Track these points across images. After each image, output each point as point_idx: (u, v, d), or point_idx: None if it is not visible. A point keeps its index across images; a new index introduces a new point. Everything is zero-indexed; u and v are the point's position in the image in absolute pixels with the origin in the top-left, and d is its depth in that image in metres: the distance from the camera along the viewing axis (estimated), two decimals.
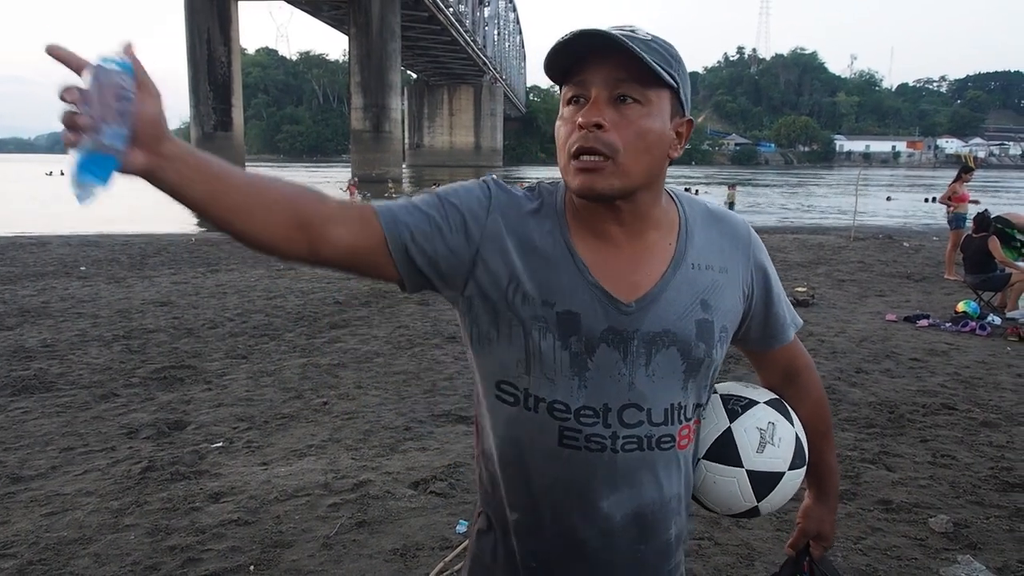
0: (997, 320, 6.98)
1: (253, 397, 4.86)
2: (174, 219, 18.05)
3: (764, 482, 1.20)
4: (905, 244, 13.98)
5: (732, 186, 27.87)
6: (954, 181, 10.78)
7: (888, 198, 32.68)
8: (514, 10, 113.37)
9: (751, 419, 1.21)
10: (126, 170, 0.85)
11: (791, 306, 1.26)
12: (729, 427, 1.20)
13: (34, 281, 9.39)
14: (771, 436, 1.21)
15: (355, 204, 1.09)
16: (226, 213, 0.94)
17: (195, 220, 23.12)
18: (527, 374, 1.07)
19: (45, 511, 3.26)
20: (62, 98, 0.81)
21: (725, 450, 1.19)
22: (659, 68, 0.99)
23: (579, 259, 1.07)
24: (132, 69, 0.84)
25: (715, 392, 1.25)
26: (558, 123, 1.06)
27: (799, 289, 8.31)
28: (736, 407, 1.22)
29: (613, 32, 0.98)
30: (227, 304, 7.94)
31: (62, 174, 55.28)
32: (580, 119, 1.00)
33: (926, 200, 30.12)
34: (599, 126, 0.99)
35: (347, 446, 4.03)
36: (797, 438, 1.23)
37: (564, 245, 1.07)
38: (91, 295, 8.45)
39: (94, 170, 0.82)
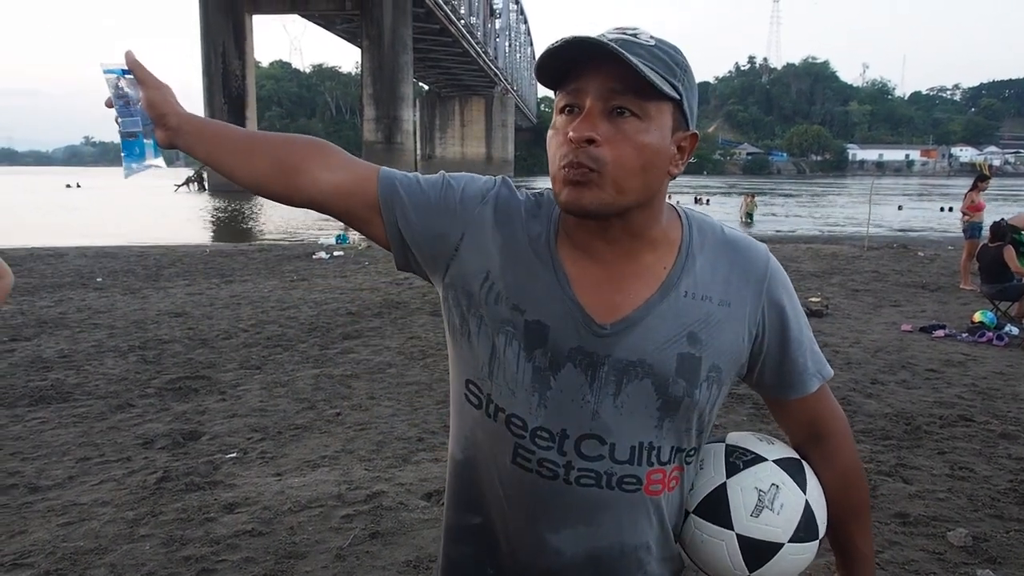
0: (1015, 330, 6.91)
1: (267, 408, 4.88)
2: (189, 231, 18.19)
3: (757, 551, 1.05)
4: (920, 254, 13.88)
5: (751, 196, 27.03)
6: (970, 190, 10.70)
7: (900, 207, 32.49)
8: (525, 21, 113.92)
9: (751, 477, 1.07)
10: (161, 144, 1.08)
11: (819, 355, 1.12)
12: (724, 483, 1.08)
13: (51, 292, 9.49)
14: (771, 500, 1.06)
15: (364, 163, 1.11)
16: (221, 164, 1.08)
17: (209, 232, 23.30)
18: (490, 378, 1.02)
19: (62, 521, 3.28)
20: (108, 105, 1.08)
21: (716, 507, 1.07)
22: (660, 80, 0.91)
23: (561, 270, 1.01)
24: (128, 71, 1.07)
25: (722, 441, 1.14)
26: (550, 132, 0.99)
27: (813, 299, 8.26)
28: (738, 461, 1.09)
29: (609, 40, 0.90)
30: (241, 315, 7.99)
31: (79, 186, 55.93)
32: (571, 132, 0.92)
33: (942, 209, 29.93)
34: (591, 141, 0.91)
35: (360, 457, 4.03)
36: (807, 507, 1.07)
37: (549, 253, 1.02)
38: (107, 306, 8.52)
39: (131, 152, 1.09)
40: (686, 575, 1.16)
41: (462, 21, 70.29)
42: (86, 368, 5.83)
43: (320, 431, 4.45)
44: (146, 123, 1.08)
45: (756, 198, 27.97)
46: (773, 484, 1.07)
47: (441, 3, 61.96)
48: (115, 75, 1.07)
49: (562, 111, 0.96)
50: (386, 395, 5.14)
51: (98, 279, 10.69)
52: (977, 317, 7.15)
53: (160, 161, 1.12)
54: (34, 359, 6.09)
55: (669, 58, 0.94)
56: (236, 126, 1.12)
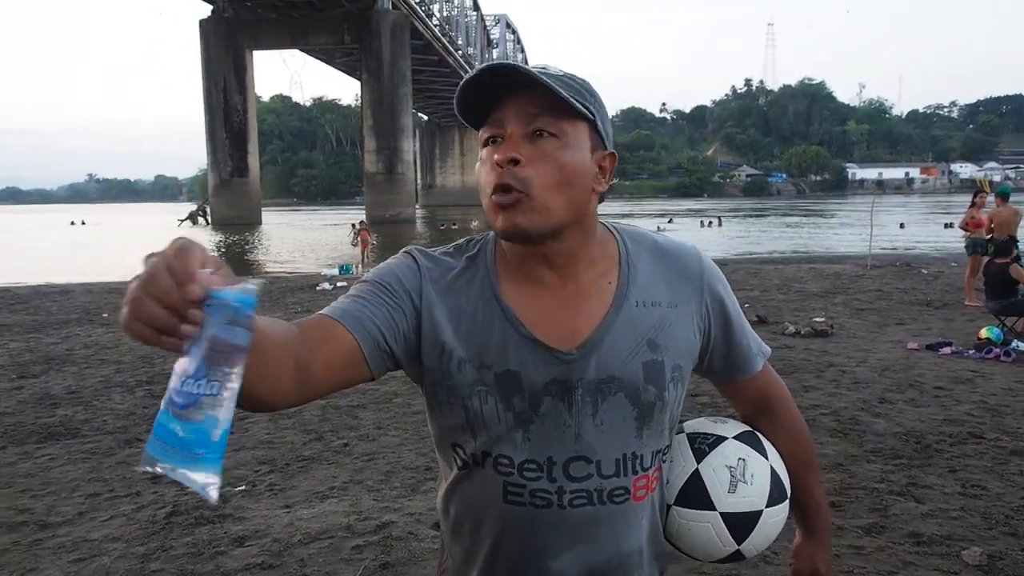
0: (1022, 346, 6.89)
1: (274, 440, 4.88)
2: None
3: (741, 524, 1.11)
4: (923, 271, 13.87)
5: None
6: (970, 206, 10.74)
7: (901, 225, 32.53)
8: (522, 51, 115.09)
9: (719, 457, 1.13)
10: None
11: (756, 335, 1.20)
12: (696, 468, 1.13)
13: (58, 329, 9.53)
14: (742, 473, 1.12)
15: (314, 324, 1.02)
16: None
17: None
18: (473, 439, 1.03)
19: (72, 557, 3.28)
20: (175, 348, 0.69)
21: (695, 494, 1.12)
22: (572, 99, 0.96)
23: (511, 313, 1.03)
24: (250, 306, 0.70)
25: (682, 432, 1.19)
26: (477, 166, 1.03)
27: (817, 319, 8.26)
28: (703, 446, 1.15)
29: (521, 67, 0.96)
30: None
31: (83, 224, 56.32)
32: (496, 156, 0.97)
33: (946, 226, 29.96)
34: (515, 161, 0.96)
35: (369, 487, 4.03)
36: (773, 472, 1.15)
37: (494, 300, 1.03)
38: (114, 341, 8.54)
39: (175, 442, 0.69)
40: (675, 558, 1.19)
41: (459, 52, 71.20)
42: (94, 404, 5.84)
43: (328, 462, 4.45)
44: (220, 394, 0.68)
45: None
46: (740, 459, 1.13)
47: (439, 35, 62.86)
48: (233, 305, 0.68)
49: (486, 143, 1.01)
50: (393, 424, 5.14)
51: (104, 315, 10.72)
52: (983, 333, 7.14)
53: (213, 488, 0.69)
54: (42, 396, 6.10)
55: (579, 85, 1.01)
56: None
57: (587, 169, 1.01)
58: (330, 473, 4.26)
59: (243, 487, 4.07)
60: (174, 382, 0.68)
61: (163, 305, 0.66)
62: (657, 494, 1.11)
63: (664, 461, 1.12)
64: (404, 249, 1.09)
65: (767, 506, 1.13)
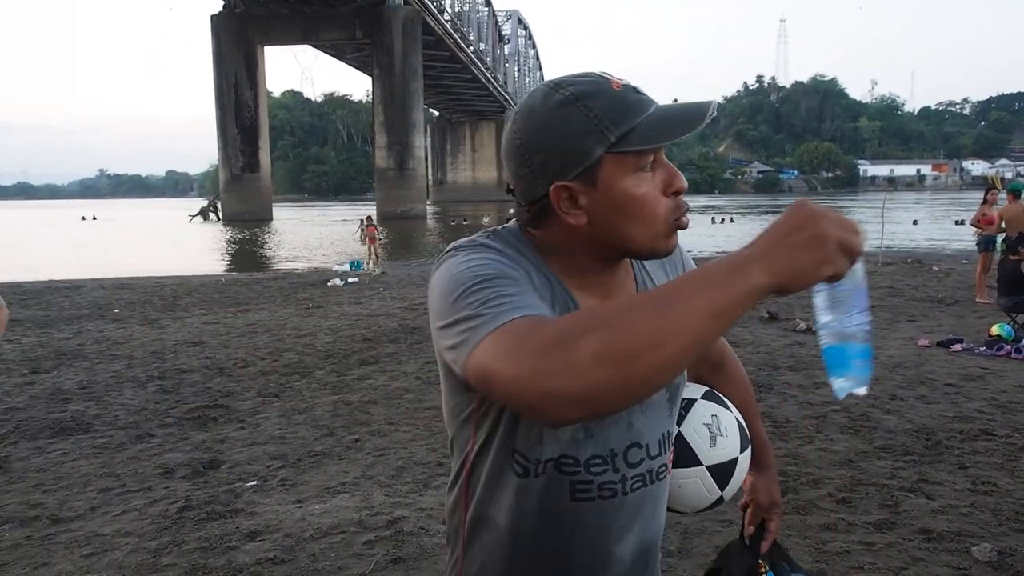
0: None
1: (286, 435, 4.91)
2: (204, 260, 18.35)
3: (723, 471, 1.25)
4: (935, 268, 13.80)
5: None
6: (982, 203, 10.66)
7: (915, 222, 32.31)
8: (534, 46, 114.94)
9: (695, 418, 1.25)
10: None
11: None
12: (679, 431, 1.23)
13: (70, 324, 9.60)
14: (718, 427, 1.25)
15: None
16: None
17: (224, 261, 23.48)
18: (540, 443, 1.01)
19: (85, 552, 3.31)
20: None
21: (682, 454, 1.23)
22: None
23: (578, 307, 1.02)
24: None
25: None
26: (643, 190, 0.96)
27: None
28: (680, 410, 1.24)
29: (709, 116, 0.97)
30: (258, 343, 8.05)
31: (94, 219, 56.66)
32: (681, 185, 0.98)
33: (957, 223, 29.73)
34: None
35: (380, 483, 4.05)
36: (738, 421, 1.29)
37: (566, 295, 1.02)
38: (125, 337, 8.61)
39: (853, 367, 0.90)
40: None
41: (471, 48, 71.12)
42: (105, 399, 5.89)
43: (339, 457, 4.47)
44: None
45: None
46: (712, 415, 1.26)
47: (450, 31, 62.77)
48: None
49: (644, 168, 0.96)
50: (404, 420, 5.16)
51: (115, 310, 10.81)
52: (995, 330, 7.09)
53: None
54: (54, 391, 6.16)
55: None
56: None
57: None
58: (341, 468, 4.29)
59: (255, 482, 4.10)
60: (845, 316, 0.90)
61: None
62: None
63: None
64: (475, 243, 1.00)
65: (740, 452, 1.27)
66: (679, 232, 1.02)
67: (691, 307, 0.73)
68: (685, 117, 0.94)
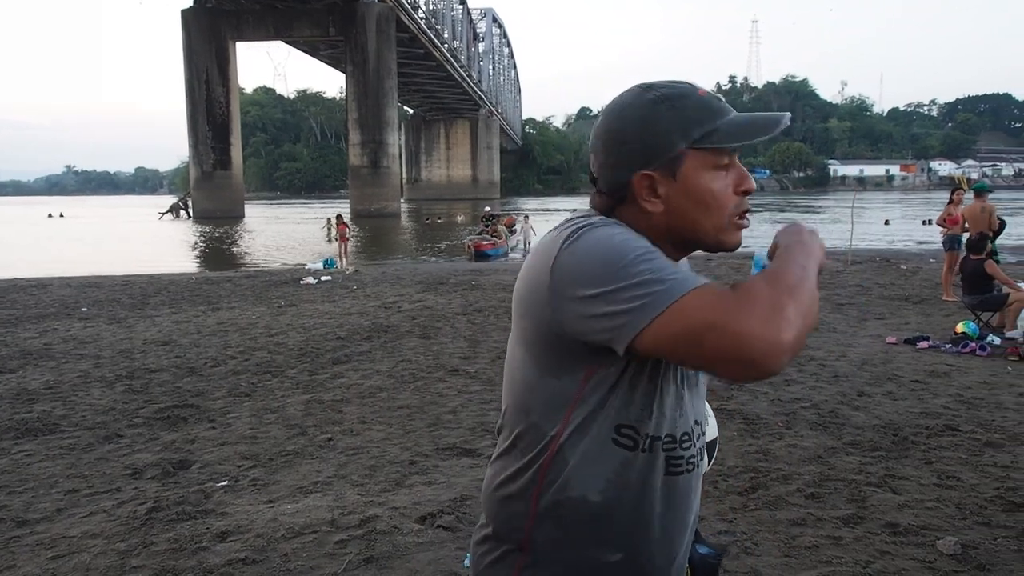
0: (997, 340, 7.00)
1: (257, 435, 4.86)
2: (174, 258, 18.10)
3: (710, 450, 1.51)
4: (902, 267, 14.04)
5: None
6: (948, 203, 10.87)
7: (886, 221, 32.82)
8: (508, 45, 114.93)
9: None
10: None
11: None
12: None
13: (35, 323, 9.42)
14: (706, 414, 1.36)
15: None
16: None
17: (195, 259, 23.18)
18: (650, 418, 1.08)
19: (51, 554, 3.25)
20: None
21: None
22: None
23: None
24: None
25: None
26: (717, 185, 1.09)
27: None
28: None
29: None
30: (229, 342, 7.96)
31: (61, 216, 55.61)
32: (749, 186, 1.11)
33: (924, 223, 30.27)
34: None
35: (353, 482, 4.03)
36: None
37: None
38: (93, 336, 8.47)
39: None
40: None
41: (445, 45, 70.88)
42: (72, 399, 5.79)
43: (312, 457, 4.44)
44: None
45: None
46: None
47: (425, 28, 62.52)
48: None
49: (720, 167, 1.10)
50: (377, 419, 5.13)
51: (83, 309, 10.62)
52: (960, 328, 7.24)
53: None
54: (19, 391, 6.04)
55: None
56: None
57: None
58: (314, 468, 4.26)
59: (225, 482, 4.06)
60: None
61: None
62: None
63: None
64: (601, 223, 1.05)
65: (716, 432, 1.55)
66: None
67: (812, 276, 0.97)
68: (762, 123, 1.09)
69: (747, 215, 1.11)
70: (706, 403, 1.33)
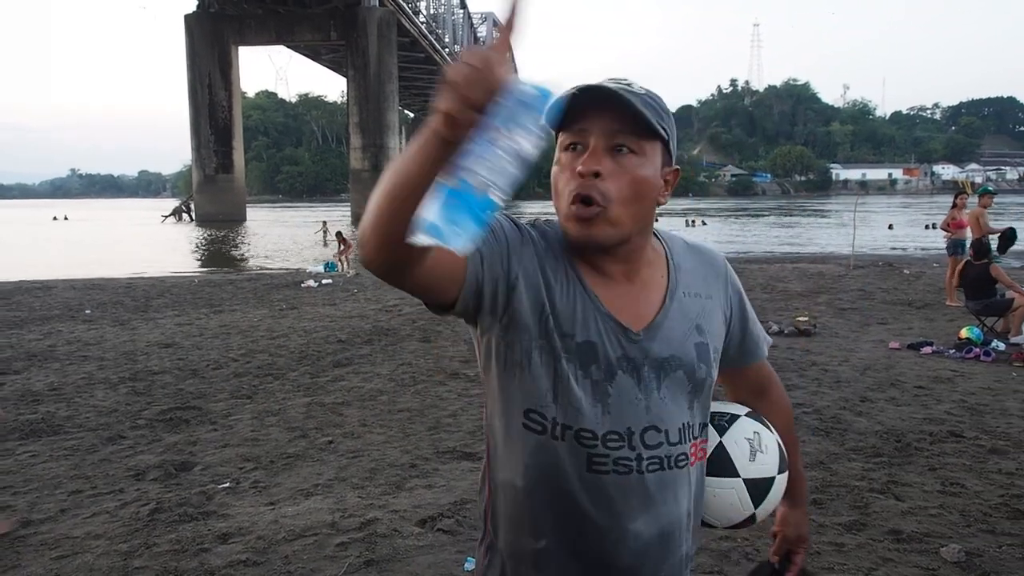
0: (1001, 346, 6.98)
1: (259, 437, 4.86)
2: (177, 261, 18.13)
3: (759, 488, 1.27)
4: (905, 271, 14.01)
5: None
6: (952, 207, 10.85)
7: (890, 226, 32.75)
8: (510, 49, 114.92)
9: (738, 431, 1.29)
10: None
11: (761, 327, 1.36)
12: (720, 441, 1.27)
13: (40, 325, 9.43)
14: (759, 444, 1.28)
15: None
16: (416, 191, 0.93)
17: (197, 262, 23.21)
18: (554, 403, 1.12)
19: (55, 554, 3.26)
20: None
21: (721, 463, 1.26)
22: (654, 121, 1.07)
23: (591, 291, 1.14)
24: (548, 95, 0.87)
25: None
26: (555, 169, 1.12)
27: (800, 318, 8.33)
28: (722, 422, 1.29)
29: (613, 87, 1.06)
30: (231, 344, 7.96)
31: (66, 219, 55.73)
32: (580, 167, 1.06)
33: (927, 227, 30.21)
34: (597, 174, 1.06)
35: (353, 485, 4.02)
36: (779, 444, 1.32)
37: (577, 279, 1.14)
38: (96, 338, 8.48)
39: (474, 212, 0.84)
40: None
41: (447, 49, 70.96)
42: (76, 400, 5.80)
43: (313, 459, 4.44)
44: (494, 175, 0.85)
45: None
46: (755, 432, 1.30)
47: (426, 32, 62.61)
48: (533, 95, 0.85)
49: (567, 148, 1.11)
50: (378, 422, 5.13)
51: (87, 311, 10.63)
52: (964, 333, 7.22)
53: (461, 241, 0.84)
54: (24, 392, 6.05)
55: (656, 104, 1.10)
56: None
57: (657, 183, 1.13)
58: (315, 470, 4.26)
59: (227, 484, 4.06)
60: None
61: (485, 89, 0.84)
62: (702, 464, 1.24)
63: (706, 435, 1.24)
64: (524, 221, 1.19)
65: (778, 472, 1.29)
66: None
67: (405, 157, 0.90)
68: None
69: (583, 205, 1.07)
70: (767, 435, 1.30)
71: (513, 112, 0.83)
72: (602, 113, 1.07)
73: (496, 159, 0.84)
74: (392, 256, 0.95)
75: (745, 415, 1.32)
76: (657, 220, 1.23)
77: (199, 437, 4.88)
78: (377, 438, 4.79)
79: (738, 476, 1.26)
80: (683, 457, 1.16)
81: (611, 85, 1.07)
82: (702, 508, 1.25)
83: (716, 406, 1.31)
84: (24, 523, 3.60)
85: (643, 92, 1.09)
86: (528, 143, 0.86)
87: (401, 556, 3.19)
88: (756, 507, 1.27)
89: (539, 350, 1.11)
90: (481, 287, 1.07)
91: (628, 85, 1.09)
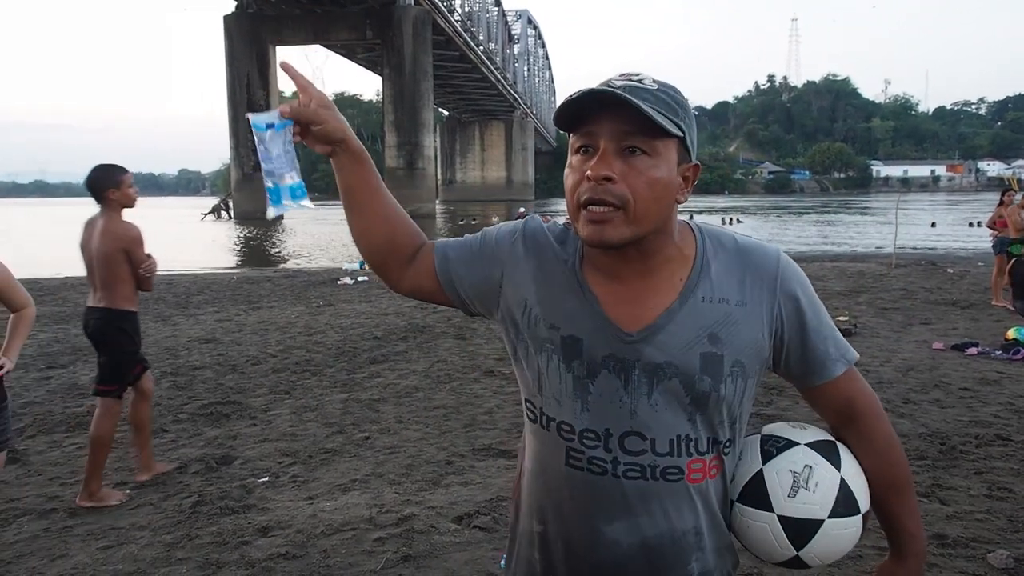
0: None
1: (297, 432, 4.92)
2: (216, 258, 18.41)
3: (801, 529, 1.12)
4: (949, 270, 13.69)
5: None
6: (998, 205, 10.57)
7: (933, 224, 32.03)
8: (543, 46, 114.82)
9: (785, 461, 1.15)
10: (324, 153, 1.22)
11: (842, 341, 1.19)
12: (760, 469, 1.16)
13: None
14: (805, 480, 1.13)
15: (426, 244, 1.27)
16: (352, 205, 1.24)
17: (236, 259, 23.58)
18: (539, 394, 1.16)
19: (101, 544, 3.34)
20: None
21: (755, 493, 1.15)
22: (665, 121, 1.02)
23: (588, 289, 1.13)
24: (272, 125, 1.17)
25: (758, 433, 1.22)
26: (567, 171, 1.09)
27: (841, 318, 8.19)
28: (772, 448, 1.17)
29: (618, 89, 1.02)
30: (269, 340, 8.08)
31: None
32: (589, 172, 1.04)
33: (970, 225, 29.48)
34: (608, 179, 1.03)
35: (390, 480, 4.06)
36: (843, 483, 1.13)
37: (575, 276, 1.15)
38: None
39: (272, 196, 1.18)
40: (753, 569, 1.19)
41: (481, 47, 71.10)
42: None
43: (350, 455, 4.49)
44: (282, 170, 1.18)
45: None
46: (806, 465, 1.14)
47: (460, 31, 62.76)
48: (260, 130, 1.17)
49: (577, 151, 1.08)
50: (414, 419, 5.16)
51: None
52: (1011, 334, 7.03)
53: (305, 203, 1.20)
54: (70, 386, 6.20)
55: (670, 99, 1.06)
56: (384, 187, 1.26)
57: (673, 182, 1.08)
58: (352, 466, 4.30)
59: (266, 478, 4.12)
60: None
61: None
62: (718, 483, 1.15)
63: (727, 454, 1.15)
64: (526, 218, 1.24)
65: (830, 517, 1.12)
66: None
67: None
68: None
69: (593, 207, 1.05)
70: (824, 472, 1.14)
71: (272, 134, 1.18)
72: (611, 115, 1.03)
73: (279, 161, 1.19)
74: (372, 259, 1.28)
75: (807, 444, 1.16)
76: (692, 217, 1.21)
77: (239, 432, 4.96)
78: (413, 435, 4.82)
79: (772, 511, 1.13)
80: (674, 471, 1.09)
81: (618, 84, 1.03)
82: (725, 530, 1.17)
83: (780, 430, 1.20)
84: (71, 513, 3.70)
85: (654, 87, 1.05)
86: (276, 148, 1.19)
87: (438, 552, 3.20)
88: (799, 549, 1.12)
89: (526, 342, 1.16)
90: (457, 290, 1.22)
91: (638, 82, 1.04)
